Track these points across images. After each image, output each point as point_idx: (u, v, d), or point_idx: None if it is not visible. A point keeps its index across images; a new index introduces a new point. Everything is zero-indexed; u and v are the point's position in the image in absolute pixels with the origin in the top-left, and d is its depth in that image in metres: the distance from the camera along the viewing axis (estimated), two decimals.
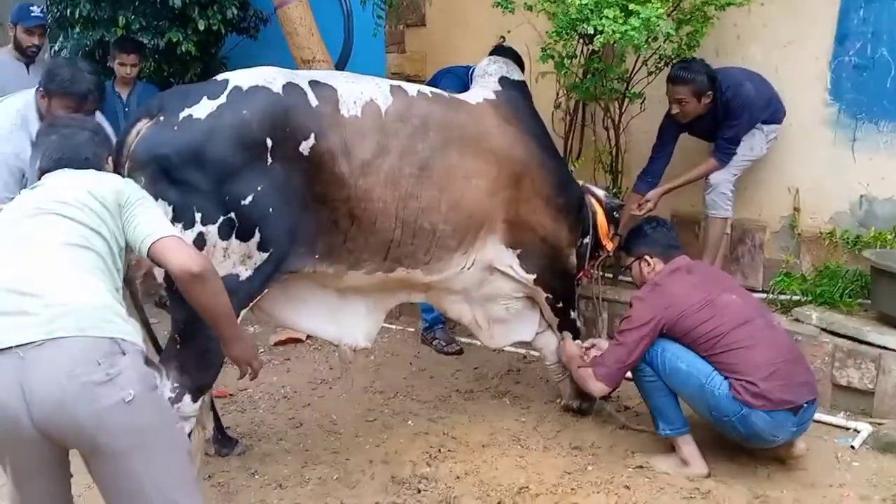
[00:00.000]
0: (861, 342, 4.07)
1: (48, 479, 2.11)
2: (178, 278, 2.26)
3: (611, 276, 4.95)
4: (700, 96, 4.47)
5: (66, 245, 2.16)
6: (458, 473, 3.49)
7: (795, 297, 4.50)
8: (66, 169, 2.40)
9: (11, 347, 1.94)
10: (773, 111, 4.63)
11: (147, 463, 2.03)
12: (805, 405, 3.30)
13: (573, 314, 3.99)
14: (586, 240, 3.94)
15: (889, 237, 4.48)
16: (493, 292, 3.80)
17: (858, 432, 3.83)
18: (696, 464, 3.46)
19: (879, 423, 3.87)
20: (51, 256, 2.13)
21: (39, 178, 2.42)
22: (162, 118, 2.78)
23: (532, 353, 4.54)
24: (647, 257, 3.68)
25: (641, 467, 3.54)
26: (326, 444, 3.78)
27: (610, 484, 3.41)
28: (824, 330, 4.21)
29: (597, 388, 3.57)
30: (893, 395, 3.94)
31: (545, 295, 3.85)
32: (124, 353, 2.04)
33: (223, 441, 3.70)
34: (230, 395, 4.30)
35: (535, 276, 3.77)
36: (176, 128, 2.75)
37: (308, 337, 4.99)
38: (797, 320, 4.30)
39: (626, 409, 4.14)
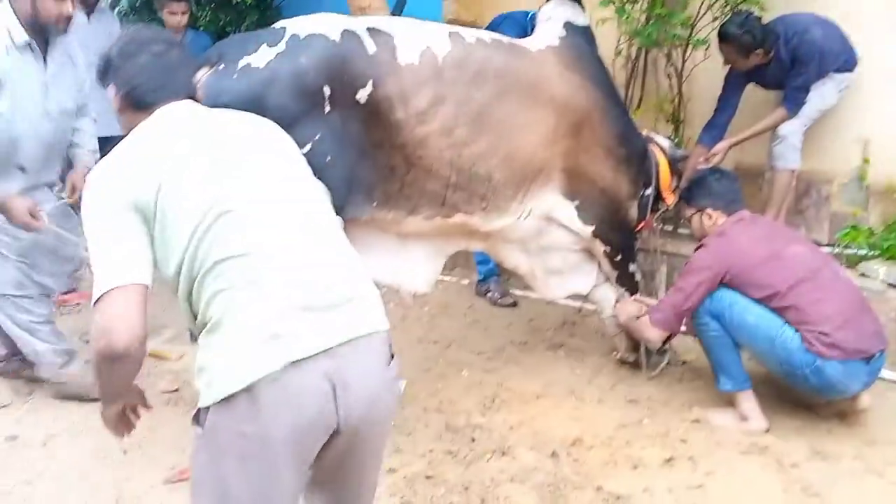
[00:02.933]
0: None
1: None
2: None
3: (671, 228, 4.88)
4: (748, 53, 4.35)
5: (323, 214, 1.99)
6: (511, 424, 3.50)
7: (862, 252, 4.39)
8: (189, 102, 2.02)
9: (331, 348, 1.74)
10: (845, 59, 4.46)
11: (379, 448, 1.97)
12: (877, 354, 3.25)
13: (632, 267, 3.94)
14: (648, 191, 3.87)
15: None
16: (550, 243, 3.76)
17: None
18: (756, 419, 3.42)
19: None
20: (321, 235, 1.91)
21: (131, 107, 2.00)
22: (221, 66, 2.78)
23: (588, 306, 4.50)
24: (708, 210, 3.60)
25: (698, 421, 3.51)
26: None
27: (665, 437, 3.39)
28: (890, 285, 4.10)
29: (653, 334, 3.54)
30: None
31: (603, 248, 3.80)
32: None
33: None
34: None
35: (592, 228, 3.72)
36: (235, 76, 2.75)
37: None
38: (863, 275, 4.20)
39: (684, 363, 4.09)
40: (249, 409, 1.65)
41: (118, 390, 1.89)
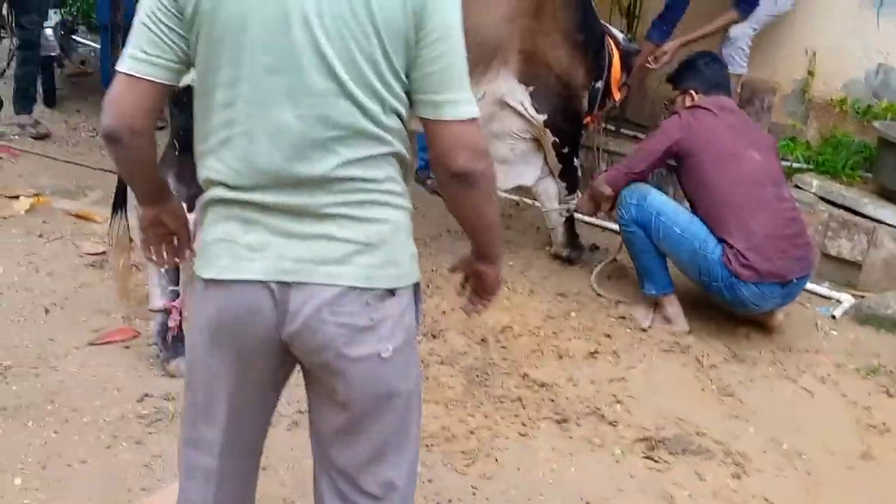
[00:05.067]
0: (857, 214, 4.07)
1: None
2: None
3: (613, 127, 4.85)
4: None
5: None
6: (444, 309, 3.52)
7: (797, 165, 4.46)
8: None
9: None
10: None
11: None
12: (795, 280, 3.32)
13: (576, 162, 3.93)
14: (599, 84, 3.82)
15: None
16: (500, 130, 3.70)
17: (840, 303, 3.90)
18: (679, 322, 3.52)
19: (862, 296, 3.93)
20: None
21: None
22: None
23: (525, 199, 4.50)
24: (692, 91, 3.57)
25: (623, 318, 3.59)
26: None
27: (591, 331, 3.47)
28: (822, 199, 4.21)
29: (602, 189, 3.56)
30: (881, 268, 3.99)
31: (553, 139, 3.76)
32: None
33: None
34: None
35: (545, 117, 3.67)
36: None
37: None
38: (797, 186, 4.28)
39: (614, 261, 4.15)
40: None
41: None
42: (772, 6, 4.44)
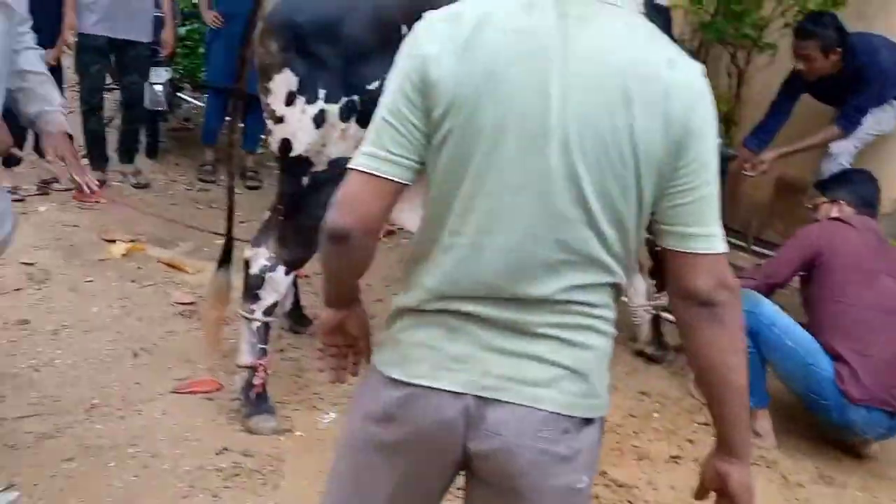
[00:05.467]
0: None
1: None
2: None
3: None
4: (827, 52, 4.23)
5: None
6: None
7: None
8: None
9: None
10: None
11: None
12: None
13: None
14: None
15: None
16: None
17: None
18: (768, 438, 3.39)
19: None
20: None
21: None
22: None
23: None
24: (841, 202, 3.52)
25: (708, 424, 3.48)
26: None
27: (673, 435, 3.37)
28: None
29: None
30: None
31: (646, 236, 3.72)
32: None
33: (298, 318, 3.73)
34: (306, 276, 4.32)
35: None
36: None
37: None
38: None
39: None
40: None
41: (332, 278, 1.57)
42: (875, 126, 4.41)
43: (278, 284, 2.91)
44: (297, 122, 2.74)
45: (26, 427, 2.77)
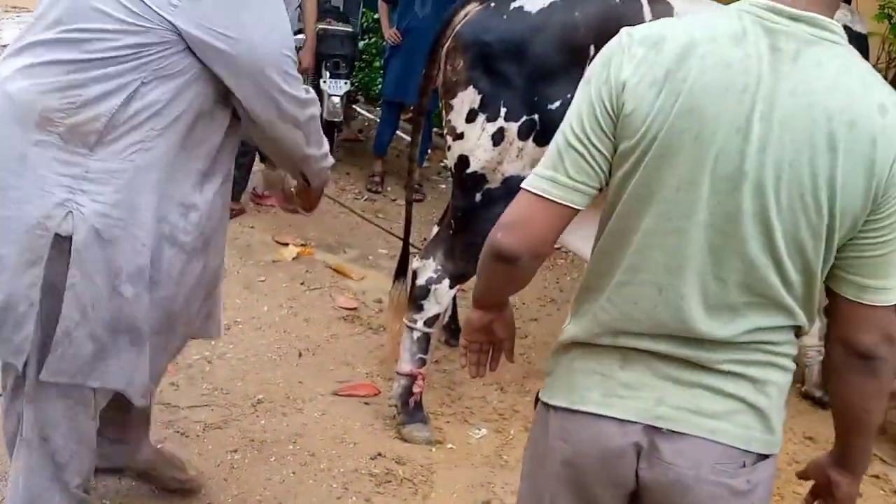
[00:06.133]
0: None
1: None
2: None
3: None
4: None
5: None
6: None
7: None
8: None
9: None
10: None
11: None
12: None
13: None
14: None
15: None
16: None
17: None
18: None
19: None
20: None
21: None
22: (493, 4, 2.76)
23: None
24: None
25: (877, 477, 3.26)
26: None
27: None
28: None
29: None
30: None
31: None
32: None
33: (454, 331, 3.76)
34: (463, 289, 4.36)
35: None
36: (505, 17, 2.71)
37: None
38: None
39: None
40: None
41: (489, 290, 1.55)
42: None
43: (442, 297, 2.95)
44: (476, 139, 2.78)
45: (196, 416, 2.92)
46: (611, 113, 1.30)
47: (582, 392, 1.41)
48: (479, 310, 1.61)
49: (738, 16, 1.30)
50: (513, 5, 2.72)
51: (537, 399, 1.55)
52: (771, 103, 1.25)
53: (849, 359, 1.35)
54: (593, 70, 1.35)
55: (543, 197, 1.34)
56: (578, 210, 1.36)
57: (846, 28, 3.42)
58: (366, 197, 5.86)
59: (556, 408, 1.45)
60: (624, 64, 1.30)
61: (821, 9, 1.28)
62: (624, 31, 1.36)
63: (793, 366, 1.40)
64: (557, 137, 1.37)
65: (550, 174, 1.34)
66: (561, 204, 1.34)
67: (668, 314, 1.33)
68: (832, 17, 1.30)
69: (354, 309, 3.96)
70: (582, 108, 1.33)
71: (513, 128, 2.74)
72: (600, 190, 1.37)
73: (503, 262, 1.40)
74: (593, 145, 1.32)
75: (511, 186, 2.76)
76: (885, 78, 4.73)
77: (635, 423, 1.36)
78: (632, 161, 1.30)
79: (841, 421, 1.45)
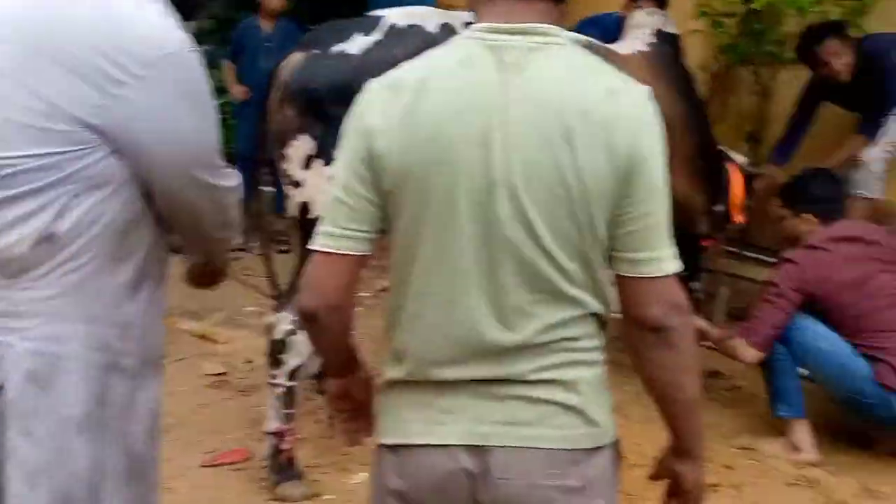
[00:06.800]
0: None
1: None
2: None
3: (736, 250, 4.71)
4: (849, 43, 4.18)
5: None
6: None
7: None
8: None
9: None
10: None
11: None
12: None
13: (696, 285, 3.84)
14: (719, 208, 3.77)
15: None
16: None
17: None
18: (808, 450, 3.31)
19: None
20: None
21: None
22: (315, 51, 2.77)
23: None
24: (804, 214, 3.45)
25: (746, 448, 3.39)
26: None
27: (710, 462, 3.23)
28: None
29: (750, 355, 3.37)
30: None
31: None
32: None
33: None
34: None
35: None
36: (329, 62, 2.73)
37: None
38: None
39: (737, 388, 3.98)
40: None
41: (321, 354, 1.60)
42: None
43: (302, 348, 2.88)
44: (315, 185, 2.77)
45: None
46: (367, 159, 1.37)
47: (407, 425, 1.42)
48: (332, 377, 1.62)
49: (464, 43, 1.38)
50: (335, 50, 2.74)
51: None
52: (506, 113, 1.32)
53: (643, 335, 1.39)
54: (348, 124, 1.42)
55: (324, 251, 1.40)
56: (365, 255, 1.42)
57: (660, 31, 3.60)
58: (231, 255, 5.73)
59: (388, 446, 1.45)
60: (372, 112, 1.37)
61: (537, 18, 1.35)
62: (370, 81, 1.42)
63: (599, 357, 1.43)
64: (329, 193, 1.43)
65: (326, 229, 1.41)
66: (341, 254, 1.40)
67: (464, 332, 1.36)
68: (551, 23, 1.37)
69: (223, 374, 3.84)
70: (343, 162, 1.41)
71: None
72: (382, 231, 1.42)
73: (307, 322, 1.45)
74: (358, 194, 1.38)
75: None
76: (714, 69, 5.00)
77: (460, 446, 1.37)
78: (397, 198, 1.37)
79: (660, 404, 1.47)
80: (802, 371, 3.37)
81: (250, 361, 3.88)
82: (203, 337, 4.24)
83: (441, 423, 1.38)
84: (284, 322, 2.89)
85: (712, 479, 3.11)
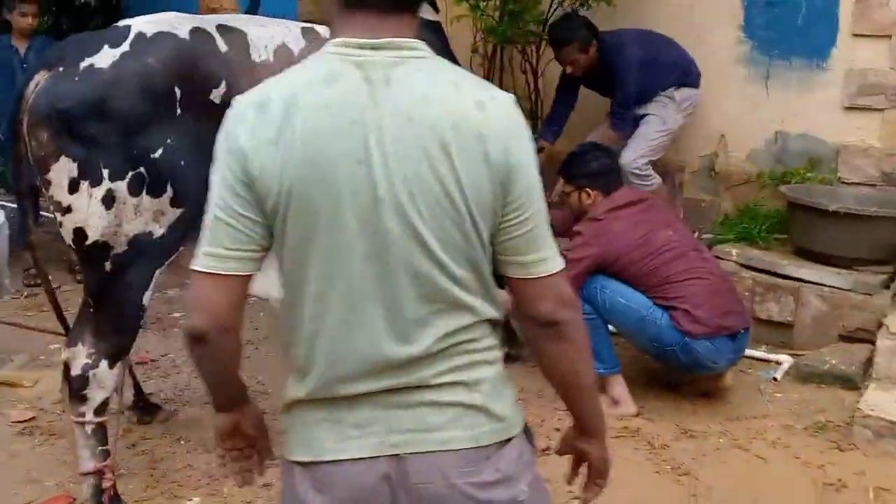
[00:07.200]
0: (779, 276, 4.17)
1: None
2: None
3: None
4: (588, 48, 4.45)
5: None
6: None
7: (718, 236, 4.58)
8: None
9: None
10: (679, 75, 4.58)
11: None
12: (741, 332, 3.43)
13: None
14: None
15: (805, 173, 4.59)
16: None
17: (780, 364, 3.94)
18: (626, 403, 3.52)
19: (799, 355, 3.99)
20: None
21: None
22: (61, 69, 2.61)
23: None
24: (587, 189, 3.64)
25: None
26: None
27: (540, 427, 3.42)
28: (743, 265, 4.31)
29: None
30: (812, 325, 4.07)
31: None
32: None
33: (145, 408, 3.58)
34: (151, 360, 4.16)
35: None
36: (77, 78, 2.58)
37: None
38: (718, 257, 4.36)
39: None
40: None
41: (209, 384, 1.54)
42: (661, 126, 4.54)
43: (105, 380, 2.76)
44: (86, 209, 2.63)
45: None
46: (243, 180, 1.34)
47: (319, 442, 1.42)
48: (220, 412, 1.58)
49: (328, 59, 1.37)
50: (82, 65, 2.59)
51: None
52: (380, 129, 1.32)
53: (539, 331, 1.46)
54: (218, 144, 1.39)
55: (209, 273, 1.38)
56: (249, 275, 1.40)
57: (420, 19, 3.67)
58: (25, 294, 5.40)
59: (300, 463, 1.44)
60: (240, 131, 1.35)
61: (398, 32, 1.36)
62: (234, 100, 1.40)
63: (498, 355, 1.48)
64: (208, 214, 1.40)
65: (209, 249, 1.38)
66: (226, 275, 1.38)
67: (364, 349, 1.38)
68: (412, 37, 1.38)
69: (32, 419, 3.63)
70: (219, 182, 1.38)
71: (121, 186, 2.63)
72: (267, 249, 1.41)
73: (196, 344, 1.42)
74: (239, 214, 1.36)
75: (140, 247, 2.67)
76: (484, 53, 5.17)
77: (377, 457, 1.39)
78: (280, 217, 1.35)
79: (562, 392, 1.55)
80: (612, 329, 3.58)
81: (60, 402, 3.68)
82: (6, 384, 3.98)
83: (355, 437, 1.40)
84: (81, 356, 2.75)
85: (543, 444, 3.25)
